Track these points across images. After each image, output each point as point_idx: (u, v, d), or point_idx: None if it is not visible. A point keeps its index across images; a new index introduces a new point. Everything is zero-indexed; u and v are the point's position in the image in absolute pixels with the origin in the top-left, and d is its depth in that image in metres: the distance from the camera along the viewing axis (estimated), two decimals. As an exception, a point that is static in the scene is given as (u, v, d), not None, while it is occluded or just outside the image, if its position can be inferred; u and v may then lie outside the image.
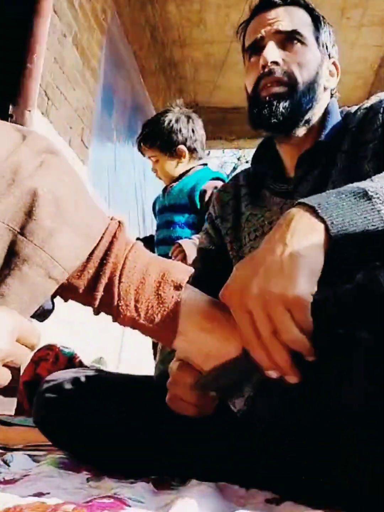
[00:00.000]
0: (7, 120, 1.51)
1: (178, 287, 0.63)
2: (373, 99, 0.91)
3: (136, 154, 4.32)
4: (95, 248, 0.61)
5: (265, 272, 0.54)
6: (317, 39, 0.95)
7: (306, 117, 0.92)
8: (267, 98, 0.90)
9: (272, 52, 0.90)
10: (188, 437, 0.75)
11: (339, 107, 0.98)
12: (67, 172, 0.63)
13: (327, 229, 0.55)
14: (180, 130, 1.86)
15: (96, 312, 0.65)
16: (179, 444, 0.76)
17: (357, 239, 0.56)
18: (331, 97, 1.00)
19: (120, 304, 0.61)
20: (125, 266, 0.62)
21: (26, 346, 0.55)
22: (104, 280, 0.61)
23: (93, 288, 0.61)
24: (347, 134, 0.89)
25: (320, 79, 0.94)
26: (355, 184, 0.61)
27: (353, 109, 0.95)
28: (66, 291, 0.63)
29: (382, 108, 0.86)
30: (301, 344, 0.52)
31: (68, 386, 0.85)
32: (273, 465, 0.69)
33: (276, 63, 0.90)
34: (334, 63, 0.99)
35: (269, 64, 0.89)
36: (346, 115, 0.95)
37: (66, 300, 0.66)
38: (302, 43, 0.92)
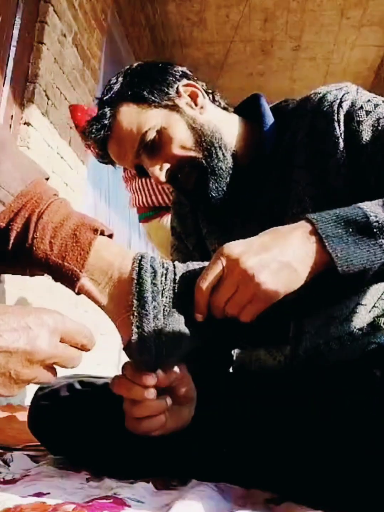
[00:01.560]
0: None
1: (95, 231, 0.63)
2: (315, 99, 0.85)
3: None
4: (25, 189, 0.64)
5: (267, 260, 0.60)
6: (156, 106, 0.87)
7: (227, 153, 0.87)
8: (191, 189, 0.88)
9: (156, 172, 0.86)
10: (188, 437, 0.75)
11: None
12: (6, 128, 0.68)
13: (331, 260, 0.60)
14: None
15: (11, 253, 0.64)
16: (179, 444, 0.76)
17: (358, 271, 0.60)
18: (215, 99, 0.94)
19: (35, 237, 0.62)
20: (48, 208, 0.64)
21: (76, 347, 0.54)
22: (23, 214, 0.63)
23: (12, 221, 0.63)
24: (297, 146, 0.84)
25: (198, 121, 0.87)
26: (361, 210, 0.62)
27: (289, 106, 0.90)
28: None
29: (336, 115, 0.80)
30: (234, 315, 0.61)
31: (63, 392, 0.84)
32: (273, 465, 0.69)
33: (167, 173, 0.86)
34: (185, 85, 0.91)
35: (163, 180, 0.86)
36: (283, 114, 0.89)
37: None
38: (158, 132, 0.85)
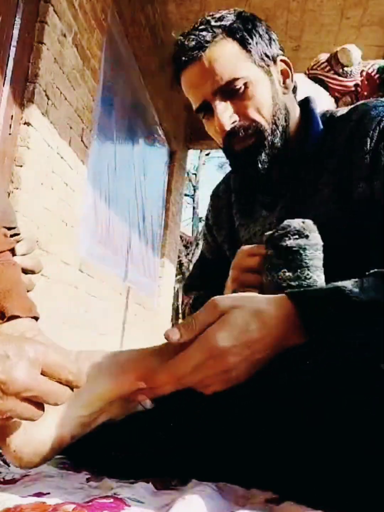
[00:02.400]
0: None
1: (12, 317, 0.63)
2: (361, 110, 0.88)
3: (136, 154, 4.31)
4: None
5: (248, 358, 0.61)
6: (255, 61, 0.87)
7: (283, 138, 0.89)
8: (241, 151, 0.88)
9: (224, 118, 0.85)
10: (188, 437, 0.75)
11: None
12: None
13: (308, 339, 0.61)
14: None
15: None
16: (179, 444, 0.76)
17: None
18: (295, 91, 0.96)
19: None
20: None
21: (60, 382, 0.51)
22: None
23: None
24: (334, 151, 0.87)
25: (279, 97, 0.89)
26: (349, 286, 0.62)
27: (338, 113, 0.94)
28: None
29: (371, 131, 0.83)
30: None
31: None
32: (273, 465, 0.69)
33: (233, 123, 0.86)
34: (282, 61, 0.92)
35: (226, 129, 0.86)
36: (329, 120, 0.93)
37: None
38: (245, 84, 0.85)
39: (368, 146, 0.81)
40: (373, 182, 0.80)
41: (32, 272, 0.66)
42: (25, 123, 2.39)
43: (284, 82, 0.91)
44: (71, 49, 2.79)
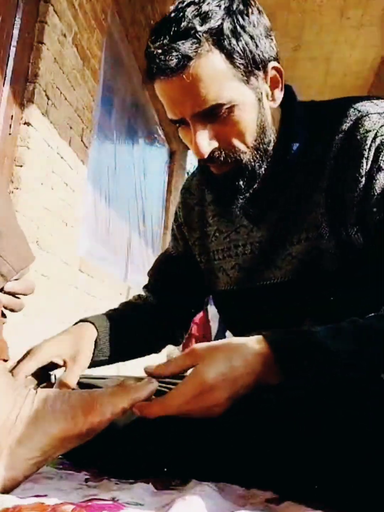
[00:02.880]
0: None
1: None
2: (353, 117, 0.78)
3: (136, 154, 4.31)
4: None
5: (231, 397, 0.63)
6: (242, 77, 0.73)
7: (265, 159, 0.79)
8: (219, 175, 0.79)
9: (202, 144, 0.74)
10: (188, 437, 0.75)
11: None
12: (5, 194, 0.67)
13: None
14: None
15: None
16: (179, 444, 0.76)
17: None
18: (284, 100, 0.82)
19: None
20: None
21: None
22: None
23: None
24: (324, 164, 0.79)
25: (265, 117, 0.78)
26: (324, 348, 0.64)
27: (323, 107, 0.84)
28: None
29: (366, 150, 0.74)
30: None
31: None
32: (273, 465, 0.69)
33: (211, 149, 0.75)
34: (273, 68, 0.78)
35: (203, 156, 0.75)
36: (314, 116, 0.83)
37: None
38: (229, 109, 0.73)
39: (364, 169, 0.74)
40: (365, 210, 0.74)
41: (24, 294, 0.68)
42: (25, 123, 2.39)
43: (272, 94, 0.79)
44: (71, 49, 2.79)
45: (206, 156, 0.75)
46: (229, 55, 0.72)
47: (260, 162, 0.78)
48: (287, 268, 0.81)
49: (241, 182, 0.78)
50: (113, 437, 0.78)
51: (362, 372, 0.63)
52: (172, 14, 0.74)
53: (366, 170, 0.74)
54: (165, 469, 0.77)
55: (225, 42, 0.71)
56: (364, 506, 0.61)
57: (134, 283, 4.42)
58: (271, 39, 0.78)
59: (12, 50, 2.31)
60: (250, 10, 0.75)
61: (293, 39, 4.37)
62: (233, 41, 0.72)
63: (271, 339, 0.64)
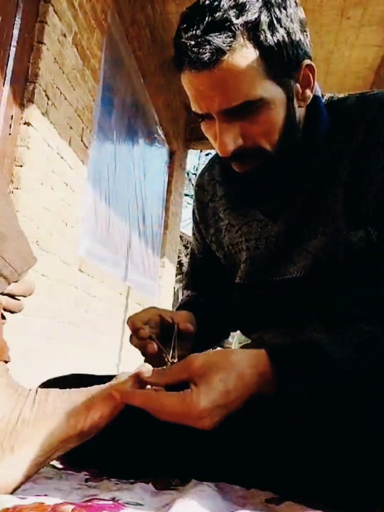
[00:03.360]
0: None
1: None
2: (378, 106, 0.76)
3: (136, 154, 4.31)
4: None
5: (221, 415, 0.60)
6: (275, 75, 0.71)
7: (289, 155, 0.77)
8: (242, 173, 0.77)
9: (227, 141, 0.72)
10: (188, 437, 0.75)
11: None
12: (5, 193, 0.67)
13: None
14: None
15: None
16: (179, 444, 0.76)
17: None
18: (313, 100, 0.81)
19: None
20: None
21: None
22: None
23: None
24: (345, 156, 0.77)
25: (294, 116, 0.76)
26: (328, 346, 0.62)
27: (343, 100, 0.82)
28: None
29: None
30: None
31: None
32: (273, 465, 0.69)
33: (236, 147, 0.73)
34: (306, 66, 0.75)
35: (227, 154, 0.73)
36: (335, 109, 0.81)
37: None
38: (258, 106, 0.71)
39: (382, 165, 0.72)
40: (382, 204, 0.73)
41: (23, 296, 0.68)
42: (25, 123, 2.39)
43: (303, 93, 0.76)
44: (71, 49, 2.79)
45: (231, 151, 0.73)
46: (264, 51, 0.69)
47: (284, 161, 0.76)
48: (302, 264, 0.80)
49: (265, 179, 0.77)
50: (113, 437, 0.78)
51: (362, 379, 0.62)
52: (207, 1, 0.69)
53: None
54: (165, 469, 0.77)
55: (261, 36, 0.68)
56: (364, 506, 0.61)
57: (134, 283, 4.42)
58: (306, 34, 0.74)
59: (12, 50, 2.32)
60: (288, 2, 0.71)
61: (293, 39, 4.36)
62: (269, 36, 0.69)
63: (272, 355, 0.62)
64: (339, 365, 0.61)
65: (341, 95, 0.83)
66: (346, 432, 0.63)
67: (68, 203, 2.91)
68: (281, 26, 0.70)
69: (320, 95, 0.82)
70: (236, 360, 0.61)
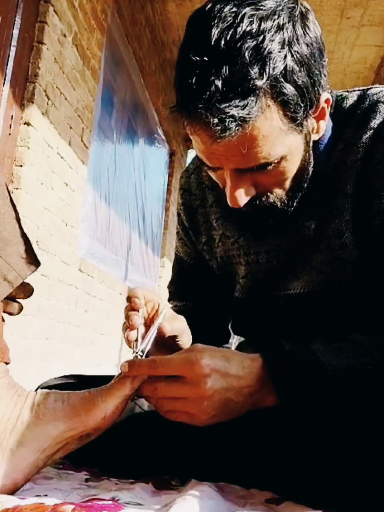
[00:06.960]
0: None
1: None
2: (379, 111, 0.72)
3: (136, 154, 4.31)
4: None
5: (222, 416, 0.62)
6: (295, 127, 0.64)
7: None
8: (247, 211, 0.71)
9: (239, 195, 0.66)
10: (188, 437, 0.75)
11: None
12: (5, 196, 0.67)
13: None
14: None
15: None
16: (179, 444, 0.76)
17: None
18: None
19: None
20: None
21: None
22: None
23: None
24: (350, 165, 0.73)
25: (309, 155, 0.71)
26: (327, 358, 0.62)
27: (345, 102, 0.76)
28: None
29: None
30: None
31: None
32: (273, 465, 0.69)
33: (248, 198, 0.68)
34: (324, 100, 0.68)
35: (238, 206, 0.68)
36: (338, 113, 0.76)
37: None
38: (277, 162, 0.65)
39: None
40: None
41: (22, 298, 0.69)
42: (25, 123, 2.39)
43: (317, 127, 0.70)
44: (71, 49, 2.79)
45: (242, 205, 0.68)
46: (286, 104, 0.61)
47: (295, 197, 0.72)
48: (306, 279, 0.78)
49: (272, 218, 0.72)
50: (113, 437, 0.78)
51: (358, 384, 0.62)
52: (222, 41, 0.57)
53: None
54: (166, 469, 0.77)
55: (284, 89, 0.60)
56: (364, 506, 0.61)
57: (134, 283, 4.42)
58: (324, 60, 0.66)
59: (12, 50, 2.32)
60: (308, 32, 0.62)
61: (293, 39, 4.36)
62: (291, 86, 0.60)
63: (270, 366, 0.63)
64: (334, 371, 0.61)
65: (340, 93, 0.78)
66: (345, 432, 0.63)
67: (68, 203, 2.91)
68: (303, 67, 0.61)
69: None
70: (235, 368, 0.62)
